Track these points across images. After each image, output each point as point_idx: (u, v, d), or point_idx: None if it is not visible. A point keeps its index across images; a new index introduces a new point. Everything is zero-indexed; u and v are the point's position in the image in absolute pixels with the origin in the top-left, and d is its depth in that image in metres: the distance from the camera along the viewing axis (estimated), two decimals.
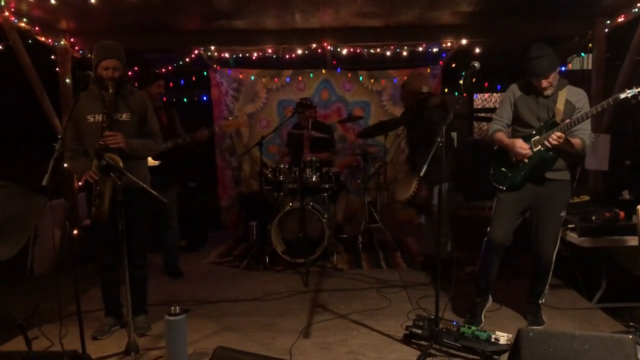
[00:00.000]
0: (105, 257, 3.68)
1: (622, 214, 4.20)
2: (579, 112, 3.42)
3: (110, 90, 3.45)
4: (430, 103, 4.95)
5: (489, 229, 3.73)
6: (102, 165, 3.25)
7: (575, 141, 3.38)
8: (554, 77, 3.43)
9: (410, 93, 5.14)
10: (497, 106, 3.89)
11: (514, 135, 3.68)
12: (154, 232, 5.01)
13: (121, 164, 3.33)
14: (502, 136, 3.65)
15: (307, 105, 6.01)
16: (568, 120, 3.32)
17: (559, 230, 3.66)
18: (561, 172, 3.57)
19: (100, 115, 3.50)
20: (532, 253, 3.71)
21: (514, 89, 3.66)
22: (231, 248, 6.39)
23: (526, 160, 3.49)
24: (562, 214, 3.62)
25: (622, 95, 3.16)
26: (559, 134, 3.29)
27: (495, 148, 3.74)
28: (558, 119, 3.42)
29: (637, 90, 3.12)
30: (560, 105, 3.44)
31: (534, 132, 3.51)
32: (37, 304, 4.12)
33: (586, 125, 3.43)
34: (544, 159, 3.48)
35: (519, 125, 3.65)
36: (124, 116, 3.58)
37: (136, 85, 4.49)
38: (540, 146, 3.45)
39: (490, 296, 3.89)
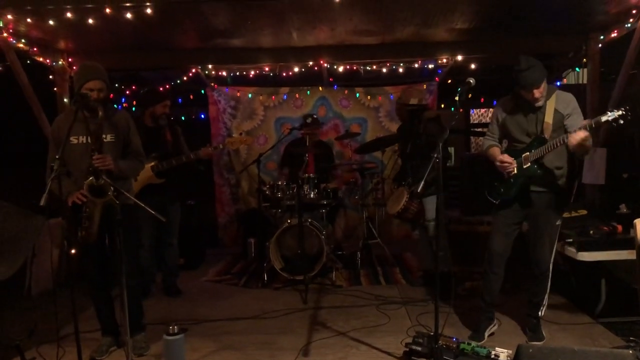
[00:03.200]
0: (97, 276, 3.65)
1: (619, 227, 4.20)
2: (568, 117, 3.45)
3: (100, 113, 3.42)
4: (424, 116, 5.02)
5: (489, 241, 3.78)
6: (99, 185, 3.24)
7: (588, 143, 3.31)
8: (544, 87, 3.45)
9: (400, 105, 5.30)
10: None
11: (508, 148, 3.73)
12: (154, 250, 5.04)
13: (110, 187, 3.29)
14: (494, 151, 3.72)
15: (314, 123, 6.05)
16: (585, 122, 3.26)
17: (555, 238, 3.69)
18: (555, 184, 3.58)
19: (85, 137, 3.47)
20: (529, 261, 3.74)
21: (500, 109, 3.71)
22: (229, 265, 6.37)
23: (513, 174, 3.54)
24: (557, 223, 3.65)
25: (604, 119, 3.15)
26: (579, 134, 3.16)
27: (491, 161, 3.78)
28: (547, 134, 3.46)
29: (618, 114, 3.12)
30: (548, 118, 3.47)
31: (524, 149, 3.55)
32: (35, 324, 4.09)
33: (578, 122, 3.39)
34: (534, 175, 3.51)
35: (510, 141, 3.71)
36: (109, 137, 3.56)
37: (135, 104, 4.52)
38: (529, 162, 3.48)
39: (495, 317, 3.89)
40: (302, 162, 5.53)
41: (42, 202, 2.86)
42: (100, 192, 3.25)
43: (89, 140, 3.44)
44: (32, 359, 3.34)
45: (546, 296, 3.74)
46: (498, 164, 3.60)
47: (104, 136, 3.52)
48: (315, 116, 6.31)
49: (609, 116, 3.15)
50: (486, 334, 3.79)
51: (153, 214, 3.16)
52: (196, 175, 5.29)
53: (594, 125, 3.17)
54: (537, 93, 3.43)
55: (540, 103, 3.49)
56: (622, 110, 3.13)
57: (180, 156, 4.84)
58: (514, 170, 3.54)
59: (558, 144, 3.32)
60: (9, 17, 4.68)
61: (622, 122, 3.14)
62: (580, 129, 3.20)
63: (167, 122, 5.00)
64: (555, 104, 3.50)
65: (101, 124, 3.47)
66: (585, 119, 3.42)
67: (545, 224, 3.61)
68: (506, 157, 3.58)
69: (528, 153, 3.50)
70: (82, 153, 3.46)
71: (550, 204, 3.59)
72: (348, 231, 7.30)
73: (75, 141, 3.50)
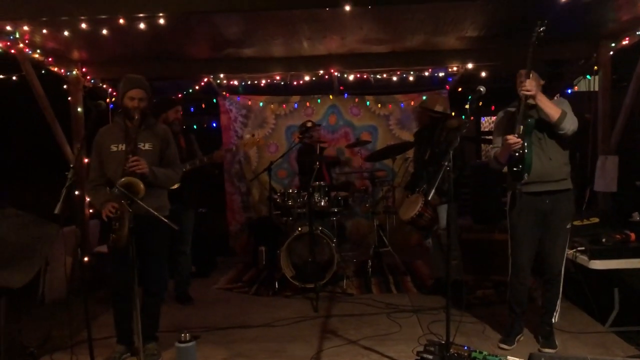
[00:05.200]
0: (120, 284, 3.65)
1: (632, 235, 4.17)
2: None
3: (136, 116, 3.56)
4: (446, 124, 4.99)
5: (510, 254, 3.81)
6: (115, 194, 3.29)
7: (554, 107, 3.47)
8: (532, 80, 3.50)
9: (423, 110, 5.24)
10: None
11: None
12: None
13: (142, 187, 3.36)
14: (498, 150, 3.75)
15: (312, 127, 6.09)
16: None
17: (567, 242, 3.72)
18: (564, 181, 3.63)
19: (124, 145, 3.60)
20: (541, 266, 3.77)
21: (501, 114, 3.84)
22: (240, 273, 6.39)
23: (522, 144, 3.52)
24: (568, 226, 3.68)
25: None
26: (527, 80, 3.40)
27: (504, 170, 3.77)
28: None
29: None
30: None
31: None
32: (48, 331, 4.13)
33: (566, 108, 3.51)
34: (530, 126, 3.53)
35: None
36: (147, 145, 3.66)
37: (152, 110, 4.58)
38: (522, 125, 3.49)
39: (523, 326, 3.90)
40: (312, 170, 5.54)
41: (56, 210, 2.91)
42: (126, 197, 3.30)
43: (128, 148, 3.55)
44: None
45: (559, 302, 3.75)
46: (508, 142, 3.52)
47: (141, 144, 3.63)
48: (311, 122, 6.38)
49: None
50: (516, 341, 3.80)
51: (166, 223, 3.19)
52: (210, 182, 5.30)
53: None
54: (522, 77, 3.52)
55: (526, 92, 3.49)
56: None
57: (194, 160, 4.87)
58: (522, 147, 3.50)
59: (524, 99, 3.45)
60: (25, 28, 4.75)
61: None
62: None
63: (180, 128, 5.03)
64: None
65: (138, 131, 3.60)
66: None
67: (558, 227, 3.65)
68: (511, 136, 3.55)
69: (518, 125, 3.51)
70: (120, 159, 3.56)
71: (561, 207, 3.63)
72: (359, 239, 7.30)
73: (115, 149, 3.62)
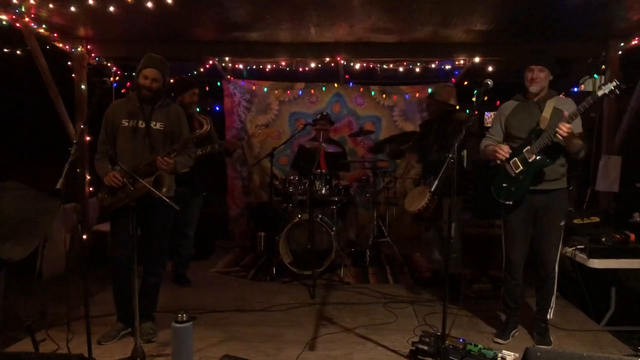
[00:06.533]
0: (120, 262, 3.62)
1: (632, 236, 4.18)
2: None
3: (145, 94, 3.62)
4: (455, 117, 4.96)
5: (504, 250, 3.82)
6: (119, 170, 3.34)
7: (579, 142, 3.46)
8: (544, 77, 3.55)
9: (437, 102, 5.11)
10: None
11: None
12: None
13: (167, 180, 3.53)
14: (490, 147, 3.74)
15: (324, 117, 6.07)
16: (567, 113, 3.37)
17: (560, 239, 3.72)
18: (558, 181, 3.64)
19: (135, 121, 3.64)
20: (535, 263, 3.78)
21: (506, 106, 3.81)
22: (239, 258, 6.40)
23: (521, 171, 3.54)
24: (561, 223, 3.68)
25: (600, 93, 3.27)
26: (567, 125, 3.30)
27: (491, 165, 3.78)
28: (543, 126, 3.50)
29: (613, 85, 3.23)
30: (546, 114, 3.52)
31: (523, 144, 3.57)
32: (46, 306, 4.14)
33: (578, 129, 3.49)
34: (542, 165, 3.53)
35: (510, 140, 3.73)
36: (158, 125, 3.70)
37: (171, 94, 4.56)
38: (534, 155, 3.50)
39: (518, 322, 3.91)
40: (314, 159, 5.52)
41: (58, 185, 2.91)
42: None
43: (139, 125, 3.62)
44: (42, 341, 3.37)
45: (554, 298, 3.76)
46: (497, 151, 3.60)
47: (153, 123, 3.67)
48: (326, 113, 6.33)
49: (604, 89, 3.26)
50: (511, 336, 3.81)
51: (168, 202, 3.19)
52: (218, 167, 5.29)
53: (592, 101, 3.27)
54: (533, 74, 3.54)
55: (534, 89, 3.58)
56: (614, 82, 3.24)
57: (205, 146, 4.85)
58: (503, 158, 3.56)
59: (552, 136, 3.39)
60: (32, 1, 4.71)
61: (618, 93, 3.26)
62: (565, 120, 3.32)
63: (195, 110, 4.97)
64: (555, 103, 3.57)
65: (152, 110, 3.65)
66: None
67: (551, 224, 3.66)
68: (506, 147, 3.60)
69: (529, 147, 3.52)
70: (130, 137, 3.64)
71: (555, 205, 3.64)
72: (358, 229, 7.31)
73: (127, 124, 3.67)
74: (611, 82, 3.25)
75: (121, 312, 3.82)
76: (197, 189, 5.02)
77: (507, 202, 3.67)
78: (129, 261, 3.28)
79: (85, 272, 3.14)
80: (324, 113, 6.27)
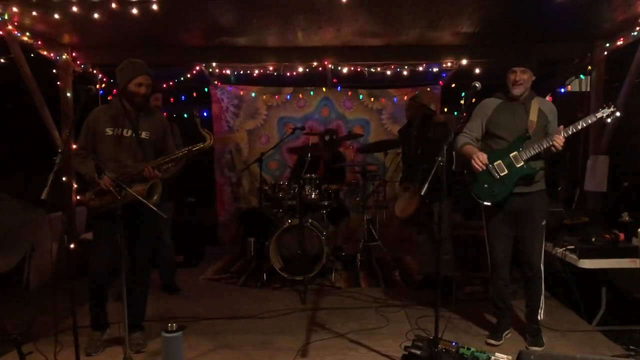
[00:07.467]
0: (100, 270, 3.57)
1: (622, 235, 4.19)
2: (550, 123, 3.57)
3: (137, 101, 3.54)
4: (433, 120, 4.98)
5: (488, 250, 3.81)
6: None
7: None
8: (527, 79, 3.54)
9: (417, 105, 5.13)
10: None
11: (485, 148, 3.71)
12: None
13: (160, 189, 3.50)
14: (470, 149, 3.69)
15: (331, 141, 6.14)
16: (562, 127, 3.42)
17: (543, 239, 3.72)
18: (537, 183, 3.64)
19: (121, 129, 3.55)
20: (520, 264, 3.78)
21: (488, 104, 3.74)
22: (229, 264, 6.35)
23: (503, 173, 3.54)
24: (543, 223, 3.68)
25: (598, 115, 3.38)
26: (562, 138, 3.37)
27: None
28: (530, 131, 3.52)
29: (610, 110, 3.33)
30: (533, 117, 3.55)
31: (509, 147, 3.56)
32: (33, 318, 4.08)
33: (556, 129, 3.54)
34: (529, 175, 3.54)
35: (492, 139, 3.69)
36: (144, 134, 3.62)
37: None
38: (523, 162, 3.50)
39: (509, 322, 3.89)
40: (316, 167, 5.47)
41: (43, 196, 2.86)
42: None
43: (124, 133, 3.54)
44: (29, 353, 3.31)
45: (542, 298, 3.76)
46: (474, 160, 3.56)
47: (139, 132, 3.59)
48: (335, 137, 6.31)
49: (603, 112, 3.39)
50: (504, 336, 3.80)
51: (155, 211, 3.16)
52: (194, 172, 5.19)
53: (584, 125, 3.42)
54: (516, 76, 3.53)
55: (517, 92, 3.56)
56: (611, 107, 3.38)
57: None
58: (480, 170, 3.55)
59: (545, 145, 3.42)
60: (14, 9, 4.66)
61: (612, 118, 3.43)
62: (561, 134, 3.39)
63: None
64: (539, 105, 3.60)
65: (137, 118, 3.58)
66: (587, 127, 3.53)
67: (533, 225, 3.66)
68: (483, 157, 3.56)
69: (516, 152, 3.52)
70: (114, 145, 3.54)
71: (535, 206, 3.64)
72: (348, 233, 7.29)
73: (110, 132, 3.56)
74: (609, 107, 3.39)
75: (96, 321, 3.75)
76: (166, 197, 4.94)
77: (486, 203, 3.65)
78: (112, 272, 3.23)
79: (72, 283, 3.09)
80: (334, 137, 6.29)
